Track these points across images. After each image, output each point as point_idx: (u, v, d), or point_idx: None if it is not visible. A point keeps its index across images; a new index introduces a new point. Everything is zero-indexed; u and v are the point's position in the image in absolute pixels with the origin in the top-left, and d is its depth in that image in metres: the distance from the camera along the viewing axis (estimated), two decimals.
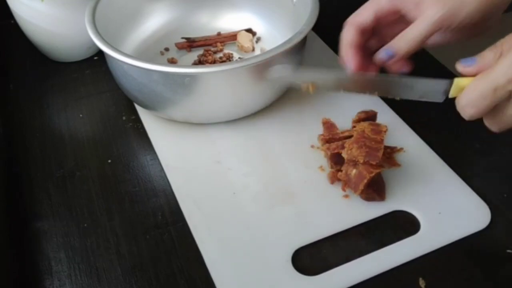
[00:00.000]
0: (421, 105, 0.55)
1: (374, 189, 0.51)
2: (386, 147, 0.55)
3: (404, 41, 0.49)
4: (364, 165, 0.50)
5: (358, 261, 0.48)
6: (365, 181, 0.49)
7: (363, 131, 0.52)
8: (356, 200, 0.52)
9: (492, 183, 0.55)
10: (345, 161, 0.52)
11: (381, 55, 0.51)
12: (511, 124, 0.44)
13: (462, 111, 0.44)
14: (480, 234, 0.50)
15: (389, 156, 0.56)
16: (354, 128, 0.54)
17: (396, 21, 0.53)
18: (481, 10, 0.47)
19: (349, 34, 0.53)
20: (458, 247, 0.49)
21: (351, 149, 0.51)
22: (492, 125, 0.45)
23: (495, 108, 0.43)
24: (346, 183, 0.52)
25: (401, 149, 0.57)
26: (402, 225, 0.51)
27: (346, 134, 0.55)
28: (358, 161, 0.50)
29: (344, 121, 0.59)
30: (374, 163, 0.50)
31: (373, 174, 0.49)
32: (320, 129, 0.58)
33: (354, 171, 0.51)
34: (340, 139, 0.55)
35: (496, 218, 0.51)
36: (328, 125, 0.57)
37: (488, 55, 0.43)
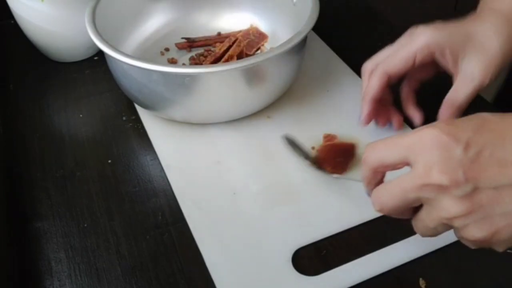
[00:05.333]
0: (420, 105, 0.55)
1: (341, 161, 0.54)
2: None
3: (451, 109, 0.51)
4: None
5: (358, 261, 0.48)
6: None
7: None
8: (356, 200, 0.52)
9: None
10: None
11: None
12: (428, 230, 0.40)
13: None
14: None
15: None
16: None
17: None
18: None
19: (376, 86, 0.51)
20: (458, 247, 0.49)
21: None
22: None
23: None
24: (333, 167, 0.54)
25: None
26: (402, 225, 0.51)
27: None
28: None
29: (344, 121, 0.59)
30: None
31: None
32: (320, 130, 0.59)
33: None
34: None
35: None
36: (329, 138, 0.58)
37: None
